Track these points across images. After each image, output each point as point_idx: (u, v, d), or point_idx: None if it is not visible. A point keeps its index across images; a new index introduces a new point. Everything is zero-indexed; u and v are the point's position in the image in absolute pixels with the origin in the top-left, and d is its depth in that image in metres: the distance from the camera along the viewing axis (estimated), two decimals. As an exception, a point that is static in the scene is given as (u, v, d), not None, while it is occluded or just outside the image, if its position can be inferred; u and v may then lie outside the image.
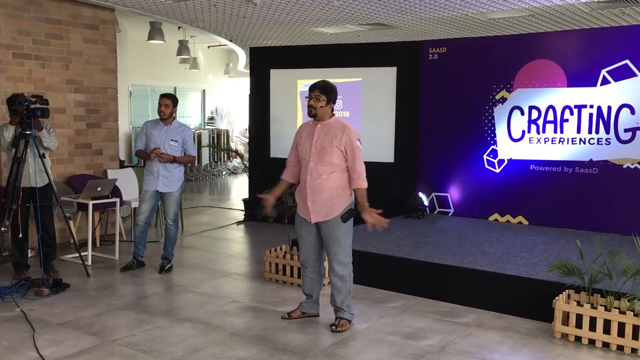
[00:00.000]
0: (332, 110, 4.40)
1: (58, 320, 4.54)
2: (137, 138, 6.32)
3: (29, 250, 5.86)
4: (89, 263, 6.11)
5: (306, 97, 4.40)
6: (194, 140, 14.33)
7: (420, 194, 7.53)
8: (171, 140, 5.89)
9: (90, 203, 6.15)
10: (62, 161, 7.12)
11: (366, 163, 4.35)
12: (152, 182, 5.90)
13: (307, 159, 4.34)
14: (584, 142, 6.64)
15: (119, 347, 4.05)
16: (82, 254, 5.93)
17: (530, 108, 6.94)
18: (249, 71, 9.22)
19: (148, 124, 6.06)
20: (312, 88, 4.35)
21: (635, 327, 3.98)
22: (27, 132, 5.31)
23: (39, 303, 4.91)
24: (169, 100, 5.91)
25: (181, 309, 4.90)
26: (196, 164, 14.29)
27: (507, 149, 7.13)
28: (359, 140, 4.31)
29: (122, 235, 7.29)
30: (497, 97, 7.15)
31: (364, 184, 4.29)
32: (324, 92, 4.32)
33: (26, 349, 3.98)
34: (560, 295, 4.35)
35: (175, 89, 15.11)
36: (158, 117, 5.96)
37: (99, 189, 6.22)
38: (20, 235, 5.50)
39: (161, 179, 5.88)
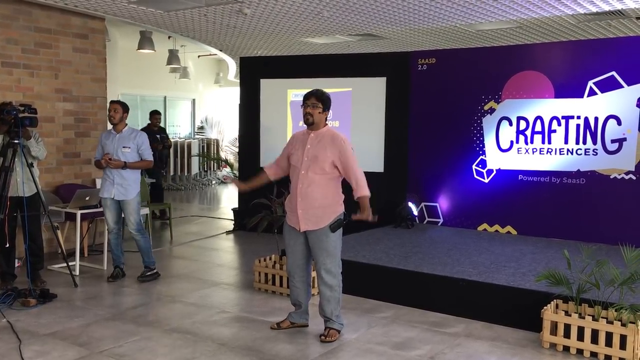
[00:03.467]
0: (326, 119, 4.43)
1: (45, 331, 4.50)
2: None
3: (16, 260, 5.82)
4: (77, 273, 6.07)
5: (301, 106, 4.41)
6: (184, 149, 14.17)
7: (410, 204, 7.55)
8: (123, 147, 5.86)
9: (79, 212, 6.12)
10: (50, 170, 7.08)
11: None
12: (107, 189, 5.86)
13: (298, 167, 4.35)
14: (572, 153, 6.70)
15: (106, 358, 4.01)
16: (70, 263, 5.88)
17: (519, 119, 6.99)
18: (239, 81, 9.23)
19: (103, 135, 6.09)
20: (308, 96, 4.36)
21: (622, 337, 4.00)
22: (15, 141, 5.28)
23: (26, 314, 4.87)
24: (117, 105, 5.89)
25: (169, 319, 4.87)
26: (186, 173, 14.28)
27: (495, 159, 7.17)
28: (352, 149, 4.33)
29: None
30: (486, 107, 7.20)
31: (365, 191, 4.23)
32: (320, 100, 4.34)
33: (12, 360, 3.94)
34: (549, 305, 4.37)
35: (165, 98, 15.10)
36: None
37: (87, 198, 6.20)
38: (7, 245, 5.45)
39: (116, 186, 5.83)
